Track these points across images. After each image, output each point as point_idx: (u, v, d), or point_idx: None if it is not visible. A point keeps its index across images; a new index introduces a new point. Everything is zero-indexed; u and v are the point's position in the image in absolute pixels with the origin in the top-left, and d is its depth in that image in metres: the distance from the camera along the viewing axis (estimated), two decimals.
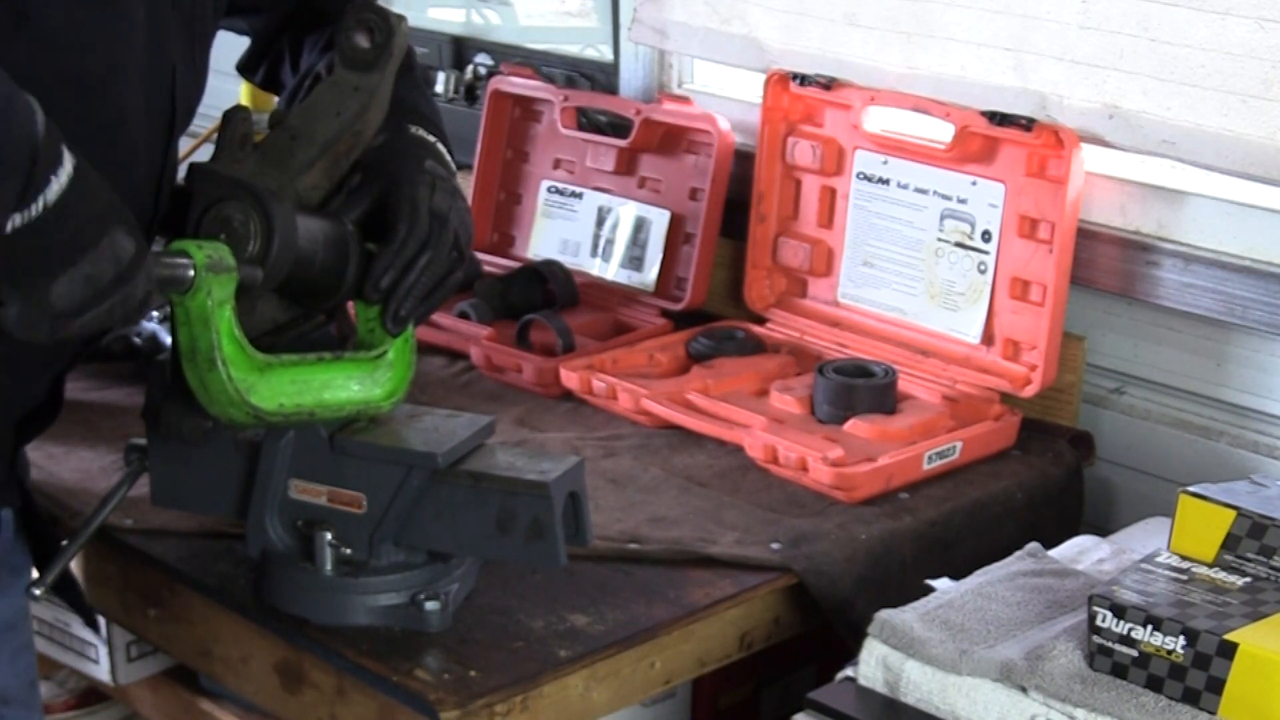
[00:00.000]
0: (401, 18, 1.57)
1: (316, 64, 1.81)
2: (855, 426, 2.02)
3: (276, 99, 1.93)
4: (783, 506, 1.88)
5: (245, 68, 1.91)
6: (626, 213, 2.49)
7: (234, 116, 1.53)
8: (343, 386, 1.56)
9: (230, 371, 1.44)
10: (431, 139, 1.66)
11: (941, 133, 2.16)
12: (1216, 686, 1.37)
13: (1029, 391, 2.07)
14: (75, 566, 1.77)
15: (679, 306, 2.39)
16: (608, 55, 2.61)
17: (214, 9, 1.66)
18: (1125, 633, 1.42)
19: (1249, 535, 1.50)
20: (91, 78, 1.43)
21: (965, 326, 2.16)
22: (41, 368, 1.60)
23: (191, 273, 1.40)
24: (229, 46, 1.92)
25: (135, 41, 1.48)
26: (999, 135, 2.09)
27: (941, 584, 1.65)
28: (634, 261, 2.46)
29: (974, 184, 2.14)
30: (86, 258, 1.28)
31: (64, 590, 1.72)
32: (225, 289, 1.43)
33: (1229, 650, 1.37)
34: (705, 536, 1.80)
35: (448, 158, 1.67)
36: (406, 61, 1.65)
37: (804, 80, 2.28)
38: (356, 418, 1.59)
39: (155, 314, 2.14)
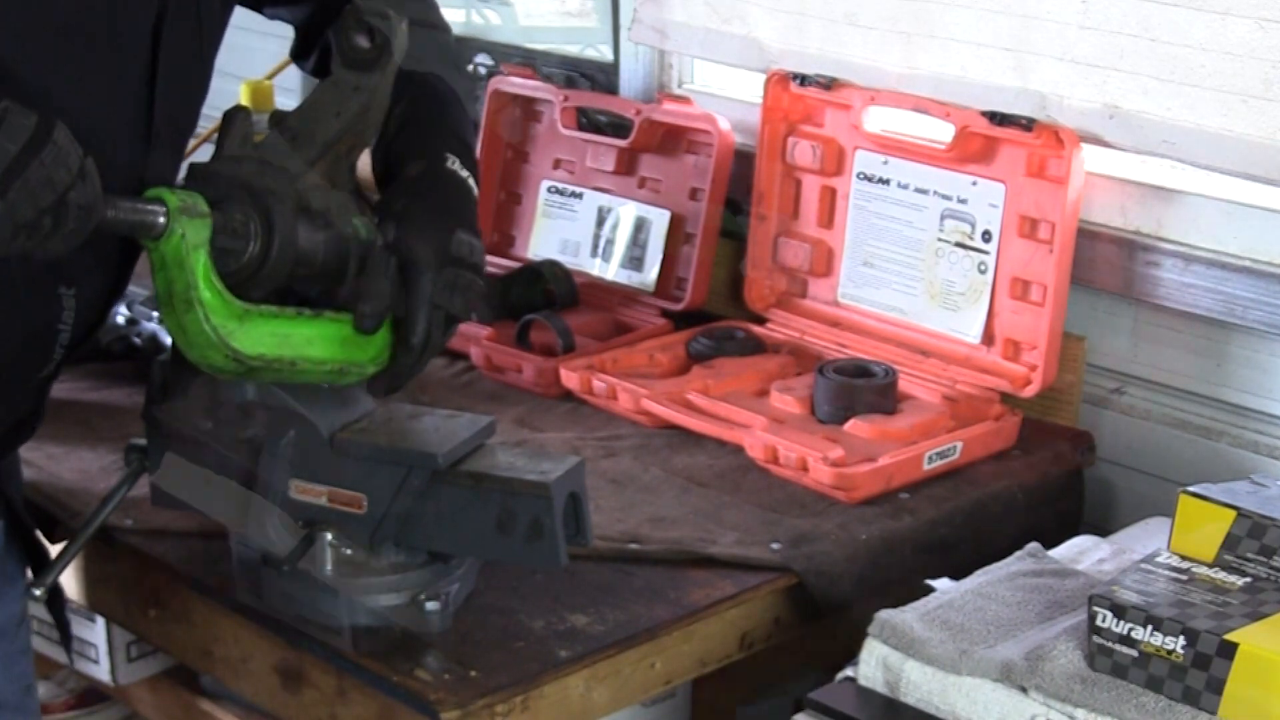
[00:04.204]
0: (402, 18, 1.57)
1: None
2: (855, 426, 2.02)
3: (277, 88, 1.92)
4: (783, 506, 1.88)
5: (296, 55, 1.90)
6: (626, 213, 2.49)
7: (234, 116, 1.52)
8: (325, 344, 1.54)
9: (207, 312, 1.43)
10: (464, 174, 1.65)
11: (941, 133, 2.15)
12: (1216, 687, 1.37)
13: (1029, 391, 2.07)
14: (75, 566, 1.77)
15: (679, 306, 2.38)
16: (608, 55, 2.61)
17: (221, 4, 1.64)
18: (1125, 633, 1.42)
19: (1249, 535, 1.50)
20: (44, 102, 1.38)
21: (965, 326, 2.16)
22: (28, 376, 1.59)
23: (163, 219, 1.40)
24: (229, 47, 1.92)
25: (91, 62, 1.46)
26: (999, 135, 2.09)
27: (941, 584, 1.65)
28: (634, 261, 2.46)
29: (974, 184, 2.14)
30: None
31: (52, 602, 1.72)
32: (199, 233, 1.42)
33: (1229, 650, 1.37)
34: (705, 536, 1.79)
35: (475, 193, 1.65)
36: (451, 84, 1.67)
37: (804, 80, 2.27)
38: (340, 374, 1.56)
39: (155, 314, 2.14)
